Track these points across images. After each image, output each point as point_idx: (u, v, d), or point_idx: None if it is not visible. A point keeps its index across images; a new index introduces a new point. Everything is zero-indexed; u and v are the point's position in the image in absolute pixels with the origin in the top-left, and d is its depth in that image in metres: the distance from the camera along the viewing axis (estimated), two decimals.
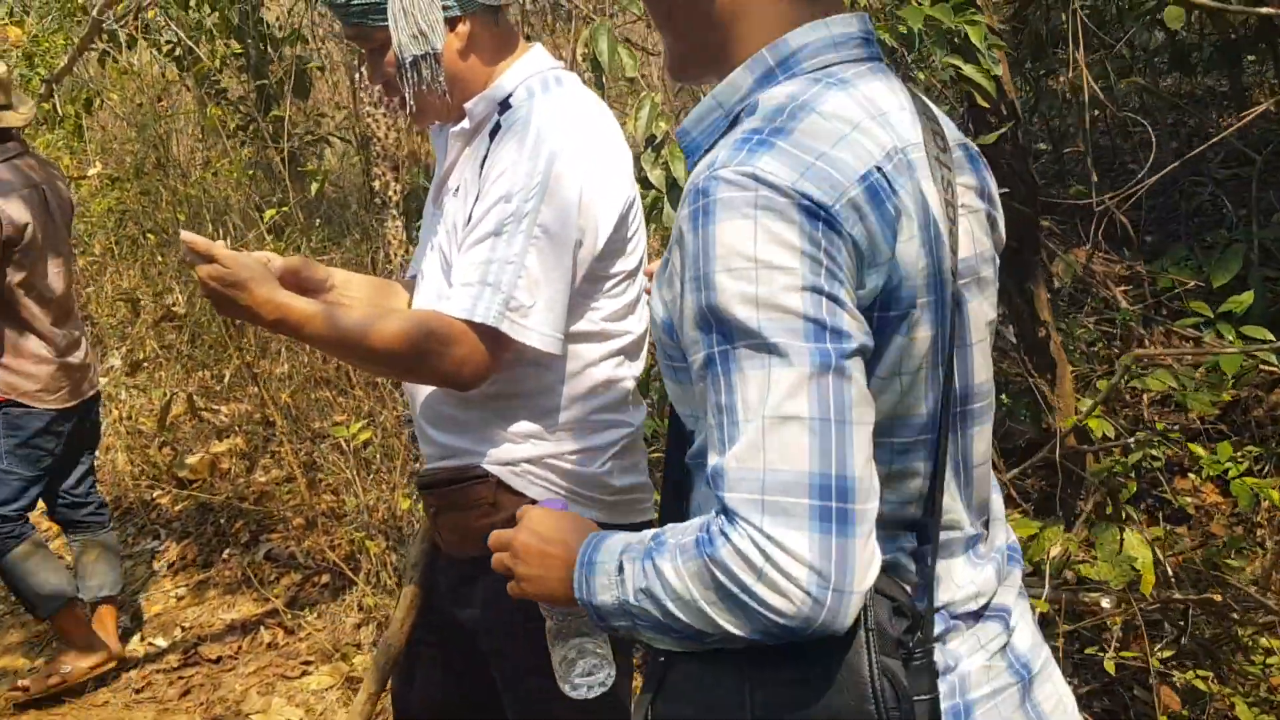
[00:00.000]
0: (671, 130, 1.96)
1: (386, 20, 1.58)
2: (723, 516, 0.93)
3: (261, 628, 3.53)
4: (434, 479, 1.72)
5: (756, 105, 1.04)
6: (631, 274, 1.68)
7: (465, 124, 1.66)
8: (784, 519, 0.90)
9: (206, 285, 1.55)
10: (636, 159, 2.11)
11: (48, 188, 3.36)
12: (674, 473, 1.18)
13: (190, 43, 5.18)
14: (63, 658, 3.38)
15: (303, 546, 3.78)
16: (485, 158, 1.61)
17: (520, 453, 1.64)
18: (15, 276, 3.24)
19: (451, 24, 1.61)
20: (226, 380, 5.06)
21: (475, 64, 1.64)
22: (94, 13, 4.19)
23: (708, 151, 1.07)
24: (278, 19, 6.80)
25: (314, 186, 4.04)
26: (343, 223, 6.02)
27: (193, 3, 5.25)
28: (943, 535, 1.07)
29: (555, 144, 1.55)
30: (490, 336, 1.54)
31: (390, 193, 4.60)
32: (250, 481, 4.38)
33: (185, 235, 1.55)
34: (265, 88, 5.74)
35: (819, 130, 0.99)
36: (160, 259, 5.95)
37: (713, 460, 0.96)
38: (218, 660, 3.46)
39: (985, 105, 2.57)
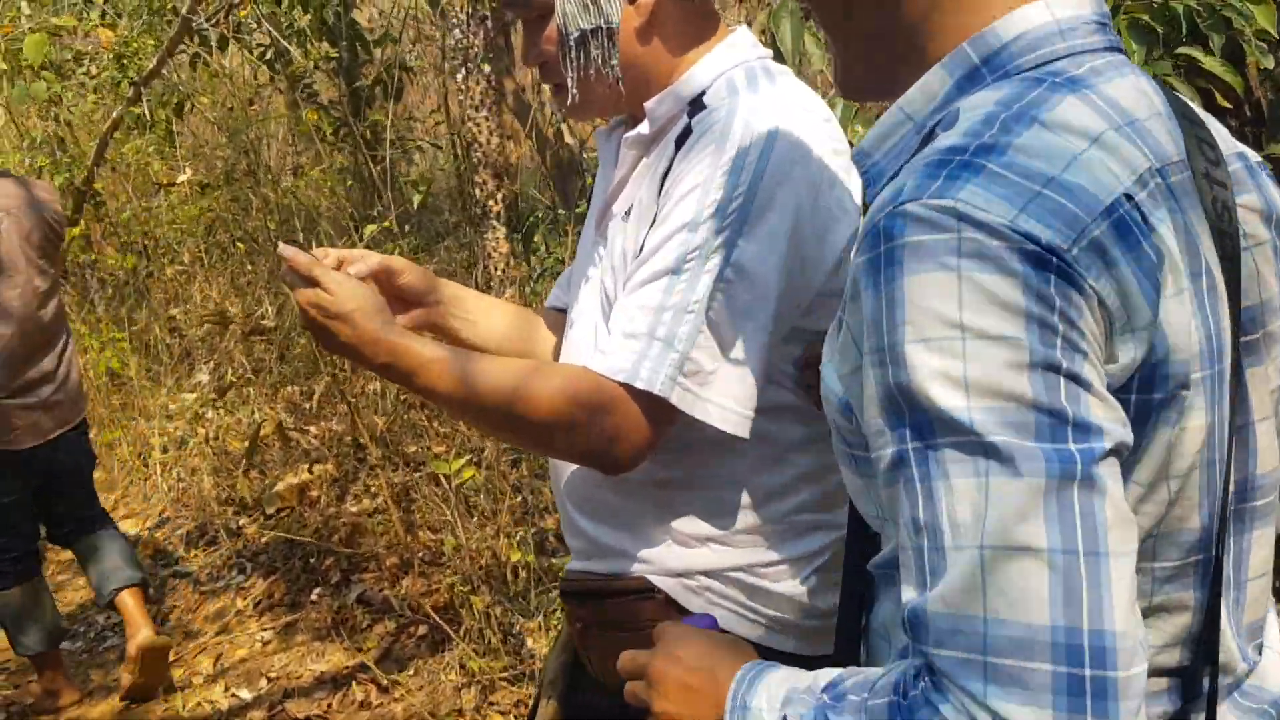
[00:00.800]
0: None
1: None
2: (927, 678, 0.70)
3: (353, 683, 3.21)
4: (583, 585, 1.35)
5: (956, 116, 0.78)
6: None
7: (643, 128, 1.29)
8: (1017, 692, 0.66)
9: (305, 314, 1.25)
10: None
11: (7, 214, 3.16)
12: (854, 581, 0.95)
13: (285, 44, 4.92)
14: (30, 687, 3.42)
15: (397, 590, 3.46)
16: (668, 171, 1.24)
17: (697, 561, 1.27)
18: None
19: None
20: (316, 398, 4.80)
21: (660, 49, 1.28)
22: (183, 11, 3.93)
23: (893, 178, 0.79)
24: (369, 20, 6.57)
25: (415, 198, 3.72)
26: (434, 230, 5.74)
27: (285, 4, 5.01)
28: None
29: (763, 156, 1.17)
30: (656, 407, 1.18)
31: (492, 202, 4.28)
32: (341, 511, 4.09)
33: (284, 249, 1.25)
34: (359, 91, 5.48)
35: (1045, 147, 0.73)
36: (250, 268, 5.73)
37: (909, 597, 0.72)
38: None
39: (1227, 105, 2.12)
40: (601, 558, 1.33)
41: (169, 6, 5.31)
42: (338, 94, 5.67)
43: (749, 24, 1.70)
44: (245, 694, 3.33)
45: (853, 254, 0.78)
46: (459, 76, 4.12)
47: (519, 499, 3.50)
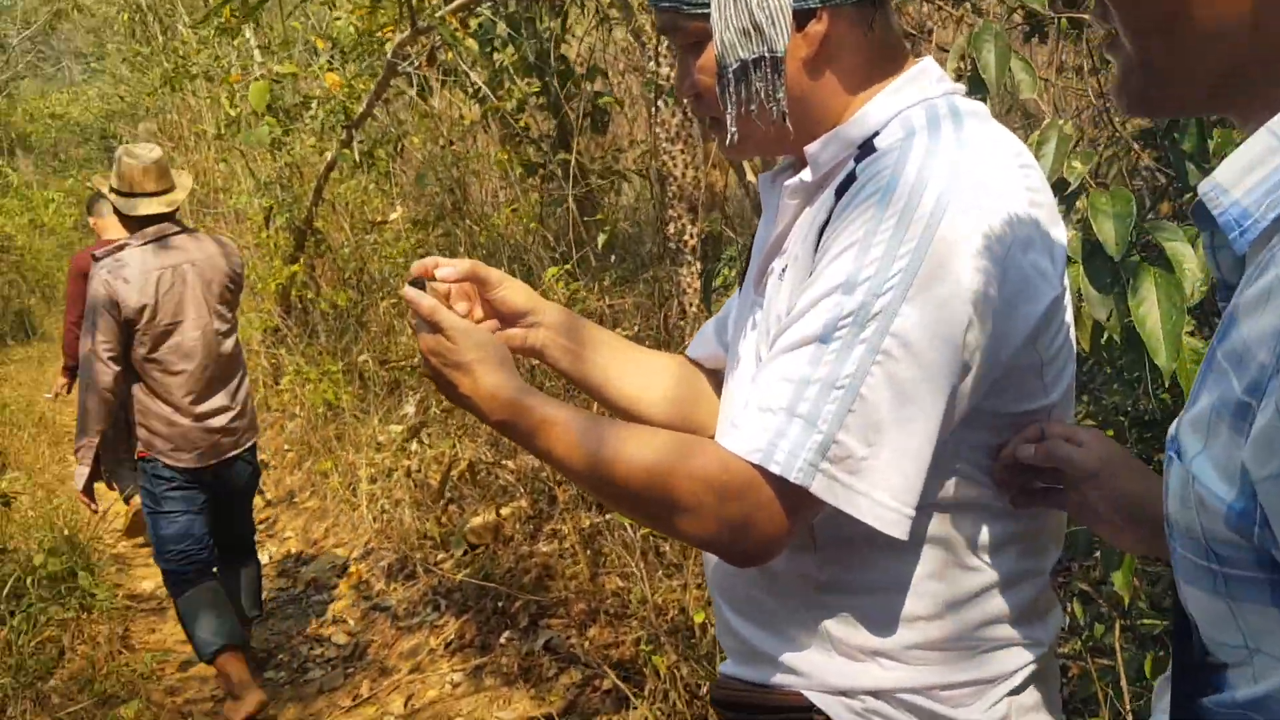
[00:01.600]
0: (1088, 176, 1.33)
1: (708, 5, 1.10)
2: None
3: None
4: (735, 694, 1.19)
5: None
6: (1050, 410, 1.09)
7: (805, 175, 1.13)
8: None
9: (427, 361, 1.18)
10: None
11: (192, 266, 3.59)
12: (1181, 713, 0.75)
13: (489, 87, 4.99)
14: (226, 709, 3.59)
15: (584, 639, 3.36)
16: (826, 223, 1.08)
17: (863, 678, 1.09)
18: (140, 351, 3.52)
19: (802, 21, 1.08)
20: None
21: (831, 84, 1.11)
22: (388, 54, 4.01)
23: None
24: (578, 55, 6.63)
25: (601, 238, 3.65)
26: (637, 261, 5.69)
27: (495, 44, 5.08)
28: None
29: (938, 208, 0.99)
30: (793, 495, 1.01)
31: (686, 236, 4.17)
32: (534, 551, 4.04)
33: (408, 292, 1.17)
34: (565, 124, 5.50)
35: None
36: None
37: None
38: None
39: None
40: (755, 663, 1.17)
41: (385, 49, 5.48)
42: (546, 130, 5.72)
43: (944, 50, 1.51)
44: None
45: (1249, 310, 0.64)
46: (656, 109, 4.03)
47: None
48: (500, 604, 3.80)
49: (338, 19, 6.69)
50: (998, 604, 1.08)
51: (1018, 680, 1.09)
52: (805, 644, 1.12)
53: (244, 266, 4.03)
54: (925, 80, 1.11)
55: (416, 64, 4.10)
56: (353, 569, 4.63)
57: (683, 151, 4.13)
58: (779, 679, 1.14)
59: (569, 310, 1.35)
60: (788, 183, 1.15)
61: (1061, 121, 1.35)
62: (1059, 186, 1.35)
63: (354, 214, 6.18)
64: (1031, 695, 1.11)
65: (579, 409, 1.13)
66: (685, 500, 1.03)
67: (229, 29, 6.82)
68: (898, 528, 1.00)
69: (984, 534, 1.07)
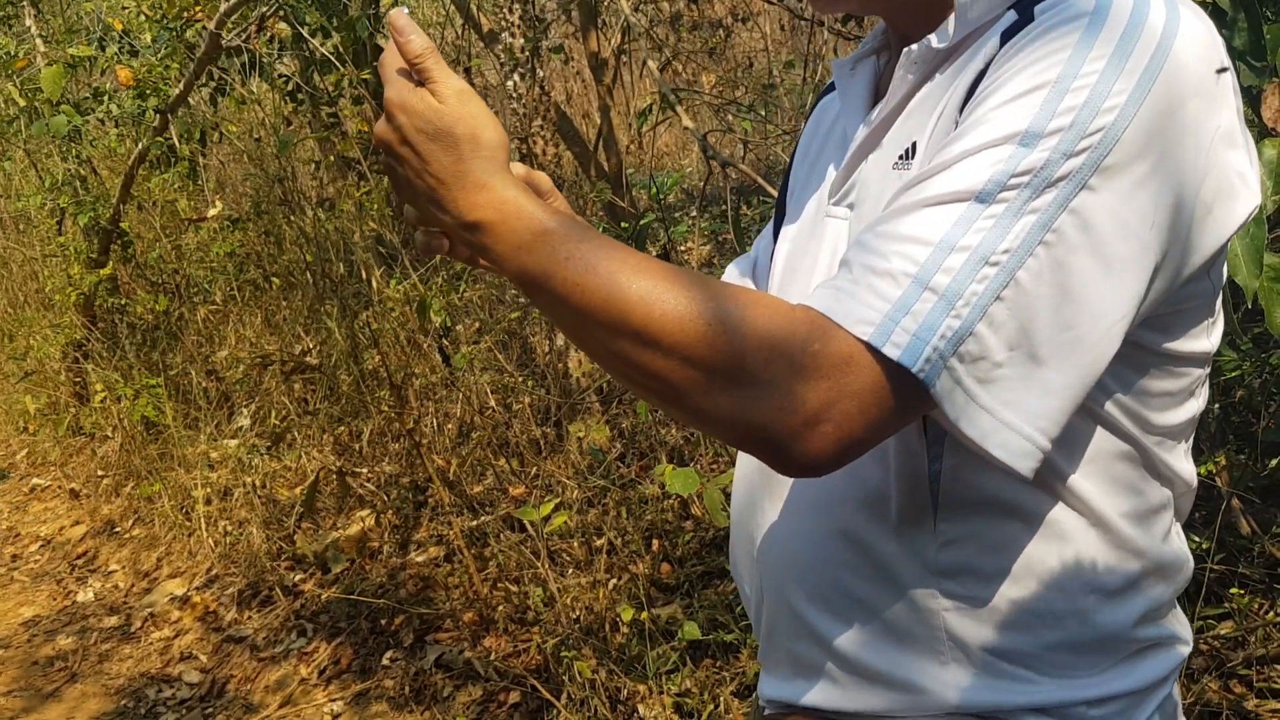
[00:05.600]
0: None
1: None
2: None
3: None
4: None
5: None
6: (1209, 359, 0.90)
7: (935, 39, 0.88)
8: None
9: (393, 122, 0.85)
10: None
11: None
12: None
13: (309, 71, 4.62)
14: None
15: (480, 651, 3.10)
16: (981, 76, 0.83)
17: (994, 694, 0.87)
18: None
19: None
20: (366, 438, 4.47)
21: None
22: (211, 25, 3.63)
23: None
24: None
25: None
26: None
27: (308, 29, 4.71)
28: None
29: (1155, 61, 0.76)
30: (904, 390, 0.76)
31: None
32: (406, 562, 3.74)
33: (395, 16, 0.84)
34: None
35: None
36: (285, 304, 5.43)
37: None
38: None
39: None
40: (856, 688, 0.92)
41: (194, 31, 5.02)
42: (368, 120, 5.36)
43: None
44: None
45: None
46: (511, 83, 3.80)
47: (603, 540, 3.15)
48: (378, 622, 3.49)
49: (124, 7, 6.14)
50: (1154, 593, 0.90)
51: (1168, 688, 0.92)
52: (922, 653, 0.88)
53: None
54: None
55: (245, 36, 3.72)
56: (196, 599, 4.19)
57: (542, 128, 3.91)
58: (890, 704, 0.90)
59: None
60: (911, 48, 0.89)
61: None
62: None
63: (164, 214, 5.66)
64: (1171, 702, 0.94)
65: (592, 229, 0.82)
66: (750, 367, 0.74)
67: (4, 16, 6.15)
68: (1024, 460, 0.76)
69: (1139, 502, 0.88)
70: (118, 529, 5.20)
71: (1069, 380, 0.76)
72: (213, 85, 5.20)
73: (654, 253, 4.26)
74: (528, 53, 3.82)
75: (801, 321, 0.76)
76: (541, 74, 3.87)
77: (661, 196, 4.26)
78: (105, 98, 5.75)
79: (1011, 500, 0.85)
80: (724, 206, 4.27)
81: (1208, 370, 0.90)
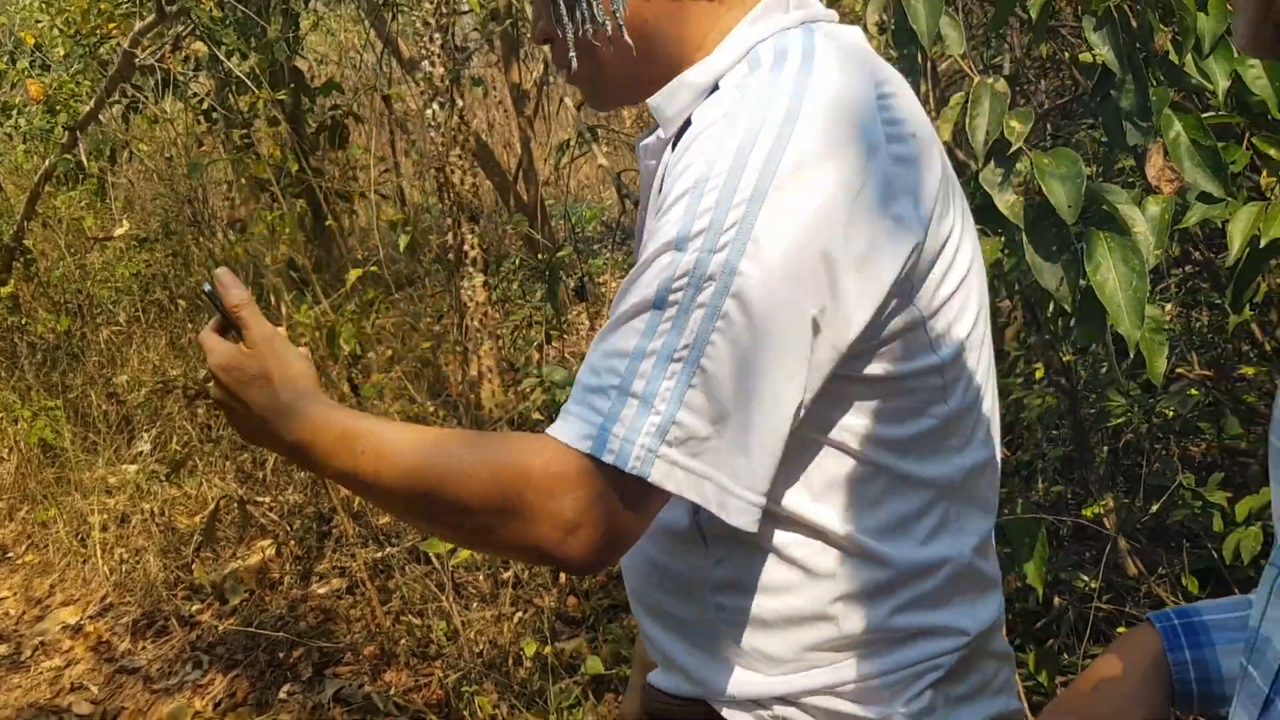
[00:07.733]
0: (1023, 136, 1.23)
1: None
2: None
3: None
4: (658, 709, 1.10)
5: None
6: (943, 368, 0.95)
7: (661, 132, 1.01)
8: None
9: (218, 380, 1.04)
10: (967, 176, 1.40)
11: None
12: None
13: (225, 92, 4.56)
14: None
15: (379, 685, 3.06)
16: (665, 178, 0.94)
17: (769, 686, 1.00)
18: None
19: None
20: (270, 466, 4.40)
21: (678, 18, 0.97)
22: (125, 44, 3.57)
23: None
24: (309, 69, 6.24)
25: (403, 240, 3.36)
26: (396, 276, 5.37)
27: (225, 49, 4.65)
28: None
29: (775, 149, 0.86)
30: (631, 486, 0.88)
31: (468, 247, 3.94)
32: (307, 594, 3.68)
33: (221, 274, 1.07)
34: (301, 139, 5.13)
35: None
36: (191, 326, 5.33)
37: None
38: None
39: None
40: (671, 673, 1.08)
41: (106, 49, 4.93)
42: (283, 143, 5.31)
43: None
44: None
45: None
46: (430, 111, 3.80)
47: (509, 572, 3.13)
48: (276, 655, 3.42)
49: (39, 22, 6.00)
50: (906, 594, 0.98)
51: (942, 670, 0.99)
52: (709, 651, 1.02)
53: None
54: (785, 6, 0.98)
55: (159, 55, 3.67)
56: (89, 628, 4.06)
57: (460, 158, 3.91)
58: (690, 690, 1.05)
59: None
60: (642, 143, 1.02)
61: (992, 80, 1.27)
62: (995, 148, 1.26)
63: (69, 232, 5.53)
64: (965, 685, 1.01)
65: (387, 419, 1.01)
66: (512, 504, 0.88)
67: None
68: (743, 516, 0.87)
69: (884, 515, 0.96)
70: (10, 554, 5.02)
71: (764, 440, 0.87)
72: (125, 103, 5.12)
73: (571, 285, 4.28)
74: (448, 82, 3.83)
75: (542, 451, 0.89)
76: (461, 103, 3.87)
77: (579, 230, 4.29)
78: (14, 112, 5.61)
79: (752, 535, 0.93)
80: None
81: (952, 376, 0.96)
